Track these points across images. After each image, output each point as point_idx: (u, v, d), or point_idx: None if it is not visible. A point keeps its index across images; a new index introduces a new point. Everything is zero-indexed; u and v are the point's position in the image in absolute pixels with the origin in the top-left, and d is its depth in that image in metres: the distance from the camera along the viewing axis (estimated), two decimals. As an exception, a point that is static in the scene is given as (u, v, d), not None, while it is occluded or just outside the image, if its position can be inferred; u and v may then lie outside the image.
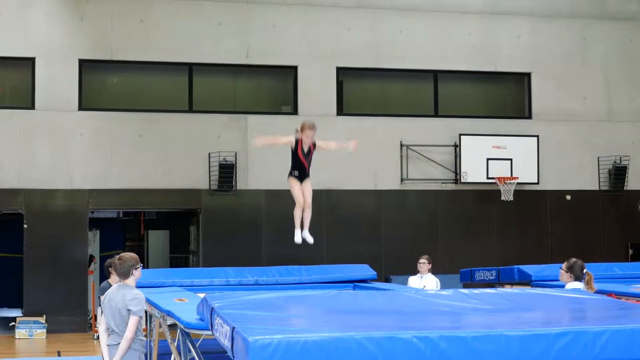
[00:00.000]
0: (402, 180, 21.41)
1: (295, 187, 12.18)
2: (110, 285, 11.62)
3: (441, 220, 21.62)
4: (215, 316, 6.93)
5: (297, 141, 12.00)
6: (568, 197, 22.19)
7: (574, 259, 10.36)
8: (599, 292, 9.97)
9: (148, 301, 10.47)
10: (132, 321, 8.62)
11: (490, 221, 21.76)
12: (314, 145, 12.00)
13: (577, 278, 10.14)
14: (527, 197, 21.68)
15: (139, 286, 9.10)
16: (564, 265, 10.34)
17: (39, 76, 20.05)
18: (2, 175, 19.71)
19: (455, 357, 5.81)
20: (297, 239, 12.13)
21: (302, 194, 12.12)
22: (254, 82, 21.79)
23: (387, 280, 19.96)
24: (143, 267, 9.08)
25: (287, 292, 10.37)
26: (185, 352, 9.07)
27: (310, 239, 12.12)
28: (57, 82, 20.09)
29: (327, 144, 12.27)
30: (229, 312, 6.79)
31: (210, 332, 7.49)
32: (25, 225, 19.86)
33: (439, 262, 20.13)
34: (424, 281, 14.64)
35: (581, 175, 22.31)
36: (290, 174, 12.19)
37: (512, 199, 21.06)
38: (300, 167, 12.07)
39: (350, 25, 21.42)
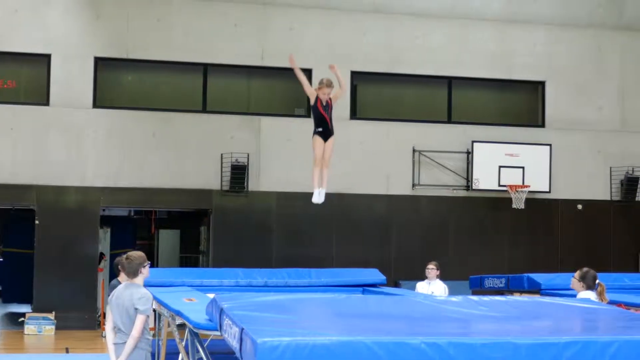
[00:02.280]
0: (413, 185, 21.41)
1: (317, 144, 12.11)
2: (119, 283, 11.65)
3: (452, 227, 21.60)
4: (224, 317, 6.94)
5: (316, 98, 11.99)
6: (579, 207, 22.15)
7: (586, 269, 10.36)
8: (609, 302, 9.95)
9: (157, 300, 10.50)
10: (139, 320, 8.64)
11: (500, 229, 21.73)
12: (331, 101, 12.04)
13: (589, 287, 10.14)
14: (538, 205, 21.65)
15: (149, 285, 9.13)
16: (576, 274, 10.34)
17: (54, 73, 20.11)
18: (16, 171, 19.78)
19: (463, 364, 5.82)
20: (315, 198, 12.10)
21: (323, 152, 12.01)
22: (268, 84, 21.82)
23: (397, 285, 19.94)
24: (153, 266, 9.10)
25: (297, 294, 10.38)
26: (193, 352, 9.09)
27: (322, 198, 12.10)
28: (72, 79, 20.16)
29: (336, 90, 12.19)
30: (238, 313, 6.80)
31: (218, 333, 7.51)
32: (37, 222, 19.93)
33: (449, 268, 20.10)
34: (432, 287, 14.63)
35: (593, 185, 22.27)
36: (315, 132, 12.10)
37: (523, 207, 21.02)
38: (322, 122, 12.05)
39: (366, 29, 21.44)
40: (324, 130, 12.04)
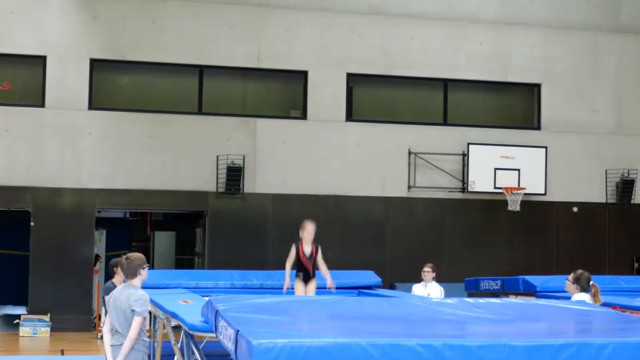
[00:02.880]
0: (409, 187, 21.41)
1: (298, 289, 12.62)
2: (114, 285, 11.66)
3: (447, 229, 21.61)
4: (220, 319, 6.94)
5: (297, 245, 12.56)
6: (575, 209, 22.17)
7: (580, 271, 10.38)
8: (603, 304, 9.97)
9: (153, 302, 10.49)
10: (136, 322, 8.62)
11: (496, 231, 21.75)
12: (317, 250, 12.60)
13: (584, 289, 10.15)
14: (534, 207, 21.66)
15: (144, 287, 9.11)
16: (570, 277, 10.35)
17: (50, 75, 20.10)
18: (11, 173, 19.76)
19: (459, 365, 5.82)
20: None
21: (305, 294, 12.48)
22: (264, 86, 21.82)
23: (392, 287, 19.95)
24: (149, 268, 9.09)
25: (292, 296, 10.39)
26: (188, 354, 9.08)
27: None
28: (68, 81, 20.14)
29: (322, 266, 12.74)
30: (234, 315, 6.80)
31: (214, 335, 7.51)
32: (32, 223, 19.90)
33: (445, 270, 20.11)
34: (428, 289, 14.64)
35: (589, 187, 22.28)
36: (296, 275, 12.65)
37: (518, 210, 21.04)
38: (303, 269, 12.63)
39: (361, 31, 21.44)
40: (305, 274, 12.59)
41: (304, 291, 12.43)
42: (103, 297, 12.51)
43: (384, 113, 21.89)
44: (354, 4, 21.47)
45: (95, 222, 20.59)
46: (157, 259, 25.20)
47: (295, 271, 12.71)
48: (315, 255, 12.52)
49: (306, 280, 12.47)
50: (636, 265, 22.36)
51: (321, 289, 13.39)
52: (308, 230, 12.45)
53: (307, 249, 12.50)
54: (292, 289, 12.92)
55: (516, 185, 21.18)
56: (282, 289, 13.82)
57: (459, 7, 21.92)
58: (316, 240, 12.91)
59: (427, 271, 14.87)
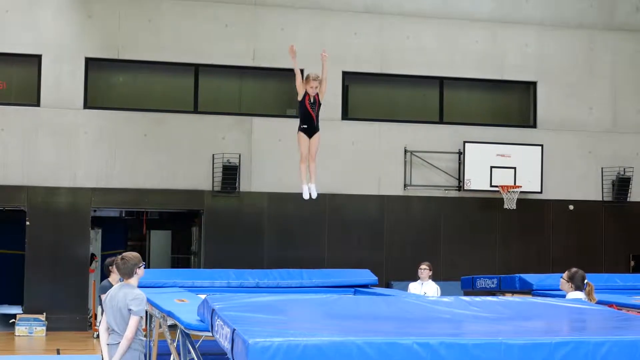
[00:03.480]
0: (405, 186, 21.41)
1: (302, 141, 12.05)
2: (110, 284, 11.63)
3: (443, 227, 21.61)
4: (216, 318, 6.93)
5: (304, 94, 11.91)
6: (571, 207, 22.18)
7: (574, 269, 10.38)
8: (600, 303, 9.97)
9: (149, 301, 10.47)
10: (133, 321, 8.62)
11: (492, 229, 21.75)
12: (317, 97, 11.93)
13: (578, 288, 10.15)
14: (530, 206, 21.67)
15: (140, 286, 9.10)
16: (565, 275, 10.35)
17: (45, 73, 20.07)
18: (6, 172, 19.73)
19: (455, 364, 5.82)
20: (305, 194, 12.02)
21: (309, 148, 11.96)
22: (259, 85, 21.80)
23: (388, 285, 19.95)
24: (144, 267, 9.08)
25: (288, 295, 10.37)
26: (184, 353, 9.07)
27: (314, 194, 12.03)
28: (63, 80, 20.12)
29: (322, 81, 11.99)
30: (230, 314, 6.79)
31: (210, 334, 7.50)
32: (27, 222, 19.88)
33: (441, 268, 20.14)
34: (425, 288, 14.63)
35: (584, 185, 22.30)
36: (299, 128, 12.04)
37: (515, 208, 21.04)
38: (308, 118, 11.96)
39: (357, 30, 21.43)
40: (309, 126, 11.97)
41: (307, 144, 12.12)
42: (99, 296, 12.48)
43: (380, 112, 21.88)
44: (349, 2, 21.47)
45: (91, 221, 20.58)
46: (153, 258, 25.20)
47: (298, 126, 12.09)
48: (319, 104, 12.08)
49: (310, 133, 12.14)
50: (632, 263, 22.37)
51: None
52: (312, 86, 11.98)
53: (312, 98, 12.07)
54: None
55: (512, 184, 21.18)
56: (278, 287, 13.81)
57: (454, 5, 21.92)
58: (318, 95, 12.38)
59: (424, 269, 14.84)
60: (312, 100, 11.87)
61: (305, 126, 11.98)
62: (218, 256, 20.17)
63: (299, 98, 11.96)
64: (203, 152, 20.44)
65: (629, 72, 22.81)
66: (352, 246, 20.86)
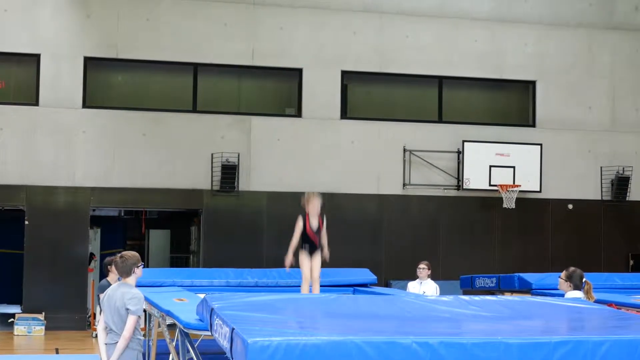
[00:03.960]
0: (404, 185, 21.40)
1: (304, 262, 12.26)
2: (108, 284, 11.62)
3: (442, 226, 21.61)
4: (215, 317, 6.92)
5: (303, 217, 12.18)
6: (570, 207, 22.18)
7: (572, 268, 10.37)
8: (599, 302, 9.97)
9: (148, 300, 10.47)
10: (130, 320, 8.61)
11: (491, 228, 21.75)
12: (323, 222, 12.24)
13: (576, 287, 10.14)
14: (529, 205, 21.66)
15: (138, 285, 9.09)
16: (563, 274, 10.35)
17: (43, 73, 20.05)
18: (5, 171, 19.72)
19: (454, 363, 5.81)
20: None
21: (311, 269, 12.16)
22: (258, 84, 21.79)
23: (388, 285, 19.95)
24: (143, 267, 9.07)
25: (287, 294, 10.37)
26: (183, 352, 9.06)
27: None
28: (61, 79, 20.10)
29: (323, 237, 12.36)
30: (229, 313, 6.78)
31: (209, 333, 7.49)
32: (26, 222, 19.87)
33: (440, 268, 20.15)
34: (424, 287, 14.62)
35: (584, 184, 22.30)
36: (302, 247, 12.26)
37: (514, 207, 21.04)
38: (310, 241, 12.24)
39: (356, 29, 21.42)
40: (311, 247, 12.21)
41: (310, 264, 12.20)
42: (97, 296, 12.47)
43: (379, 111, 21.87)
44: (348, 1, 21.45)
45: (90, 220, 20.56)
46: (152, 257, 25.19)
47: (300, 245, 12.37)
48: (321, 228, 12.27)
49: (312, 252, 12.22)
50: (631, 262, 22.37)
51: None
52: (315, 205, 12.15)
53: (314, 222, 12.23)
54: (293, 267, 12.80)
55: (511, 183, 21.18)
56: (277, 287, 13.81)
57: (453, 5, 21.92)
58: (321, 214, 12.60)
59: (423, 268, 14.83)
60: (314, 227, 12.16)
61: (308, 245, 12.21)
62: (217, 255, 20.16)
63: (300, 225, 12.18)
64: (202, 152, 20.43)
65: (628, 71, 22.80)
66: (351, 245, 20.84)
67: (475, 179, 21.28)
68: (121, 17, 20.41)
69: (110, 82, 21.23)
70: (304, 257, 12.21)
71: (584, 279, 10.25)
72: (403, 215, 21.42)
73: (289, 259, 12.31)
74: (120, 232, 25.07)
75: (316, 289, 12.21)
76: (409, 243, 21.17)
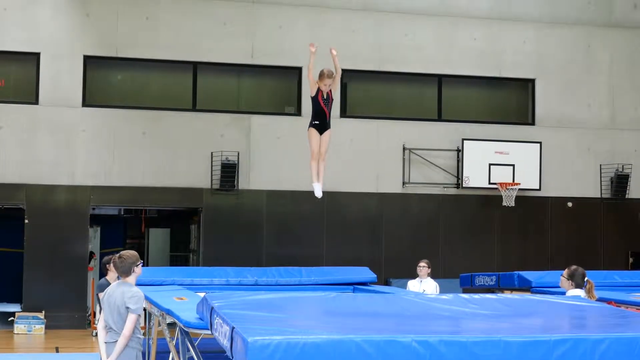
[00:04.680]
0: (404, 183, 21.41)
1: (313, 138, 11.94)
2: (107, 283, 11.62)
3: (442, 225, 21.61)
4: (215, 316, 6.92)
5: (317, 90, 11.82)
6: (569, 204, 22.18)
7: (574, 267, 10.35)
8: (599, 300, 9.96)
9: (148, 299, 10.47)
10: (130, 319, 8.62)
11: (491, 226, 21.76)
12: (330, 93, 11.83)
13: (578, 286, 10.13)
14: (528, 203, 21.67)
15: (138, 284, 9.09)
16: (565, 273, 10.33)
17: (43, 71, 20.06)
18: (4, 170, 19.72)
19: (454, 361, 5.82)
20: (317, 193, 11.97)
21: (319, 145, 11.85)
22: (258, 82, 21.79)
23: (387, 283, 19.96)
24: (143, 265, 9.08)
25: (287, 293, 10.37)
26: (184, 351, 9.07)
27: (319, 193, 11.99)
28: (61, 78, 20.11)
29: (336, 77, 11.94)
30: (229, 312, 6.79)
31: (209, 332, 7.49)
32: (26, 221, 19.87)
33: (439, 266, 20.15)
34: (424, 285, 14.62)
35: (583, 182, 22.30)
36: (311, 124, 11.94)
37: (513, 205, 21.04)
38: (321, 114, 11.85)
39: (355, 27, 21.42)
40: (321, 123, 11.90)
41: (319, 140, 12.04)
42: (97, 295, 12.47)
43: (378, 109, 21.88)
44: (347, 0, 21.44)
45: (90, 219, 20.56)
46: (152, 256, 25.19)
47: (310, 122, 12.00)
48: (332, 100, 11.87)
49: (321, 130, 12.07)
50: (631, 260, 22.38)
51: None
52: (326, 83, 11.92)
53: (325, 94, 11.98)
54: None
55: (511, 181, 21.19)
56: (277, 285, 13.81)
57: (451, 3, 21.92)
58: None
59: (423, 267, 14.83)
60: (325, 97, 11.79)
61: (317, 122, 11.90)
62: (217, 254, 20.17)
63: (312, 94, 11.85)
64: (201, 150, 20.43)
65: (627, 69, 22.81)
66: (351, 244, 20.86)
67: (475, 177, 21.29)
68: (120, 16, 20.41)
69: (110, 80, 21.23)
70: (313, 134, 11.86)
71: (586, 278, 10.24)
72: (403, 213, 21.43)
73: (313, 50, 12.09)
74: (120, 231, 25.08)
75: (322, 167, 12.05)
76: (408, 241, 21.18)
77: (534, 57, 22.33)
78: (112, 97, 20.94)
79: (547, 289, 13.74)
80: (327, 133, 11.95)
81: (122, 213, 25.30)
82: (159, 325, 10.82)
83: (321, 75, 11.78)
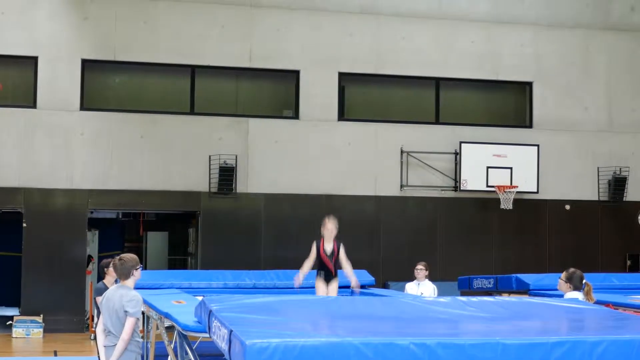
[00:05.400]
0: (401, 186, 21.42)
1: (319, 288, 12.17)
2: (105, 286, 11.63)
3: (440, 228, 21.62)
4: (213, 319, 6.93)
5: (317, 242, 12.13)
6: (567, 207, 22.19)
7: (573, 269, 10.37)
8: (596, 302, 9.97)
9: (146, 303, 10.48)
10: (129, 322, 8.62)
11: (489, 229, 21.76)
12: (338, 248, 12.10)
13: (576, 288, 10.15)
14: (526, 206, 21.68)
15: (137, 287, 9.10)
16: (563, 275, 10.35)
17: (41, 75, 20.06)
18: (2, 174, 19.71)
19: (452, 364, 5.83)
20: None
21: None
22: (256, 86, 21.80)
23: (385, 286, 19.94)
24: (142, 269, 9.08)
25: (285, 296, 10.38)
26: (182, 354, 9.08)
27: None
28: (59, 81, 20.11)
29: (345, 265, 12.20)
30: (227, 315, 6.80)
31: (207, 335, 7.50)
32: (24, 224, 19.86)
33: (437, 269, 20.14)
34: (421, 288, 14.64)
35: (581, 185, 22.32)
36: (317, 274, 12.17)
37: (511, 208, 21.05)
38: (325, 268, 12.10)
39: (353, 30, 21.44)
40: (327, 275, 12.03)
41: (326, 291, 12.14)
42: (95, 298, 12.47)
43: (376, 112, 21.88)
44: (344, 3, 21.47)
45: (88, 222, 20.55)
46: (150, 260, 25.17)
47: (315, 270, 12.26)
48: (337, 253, 12.13)
49: (327, 279, 12.15)
50: (628, 262, 22.39)
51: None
52: (328, 228, 12.06)
53: (329, 247, 12.12)
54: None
55: (508, 184, 21.19)
56: (275, 288, 13.82)
57: (449, 6, 21.94)
58: (337, 238, 12.65)
59: (421, 269, 14.86)
60: (328, 252, 12.03)
61: (323, 273, 12.11)
62: (215, 257, 20.16)
63: (313, 249, 12.09)
64: (199, 153, 20.44)
65: (624, 72, 22.83)
66: (349, 247, 20.67)
67: (473, 180, 21.30)
68: (118, 19, 20.41)
69: (108, 84, 21.24)
70: (319, 284, 12.14)
71: (584, 280, 10.26)
72: (400, 216, 21.43)
73: (298, 279, 12.27)
74: (118, 234, 25.07)
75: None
76: (406, 244, 21.18)
77: (531, 60, 22.35)
78: (110, 100, 20.94)
79: (545, 291, 13.77)
80: (333, 282, 12.25)
81: (120, 216, 25.30)
82: (158, 328, 10.82)
83: (324, 223, 12.18)
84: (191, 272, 17.18)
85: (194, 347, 8.97)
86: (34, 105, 20.05)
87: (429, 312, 7.66)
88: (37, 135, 19.93)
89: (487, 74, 22.18)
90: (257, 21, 21.01)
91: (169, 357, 10.17)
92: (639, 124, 22.80)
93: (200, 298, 8.84)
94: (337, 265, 12.14)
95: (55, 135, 19.99)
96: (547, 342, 6.00)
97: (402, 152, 21.41)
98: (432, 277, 15.31)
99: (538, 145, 21.78)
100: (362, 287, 14.29)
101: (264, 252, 20.51)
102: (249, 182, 20.68)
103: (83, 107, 20.28)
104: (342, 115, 21.40)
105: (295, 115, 21.17)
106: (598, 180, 22.36)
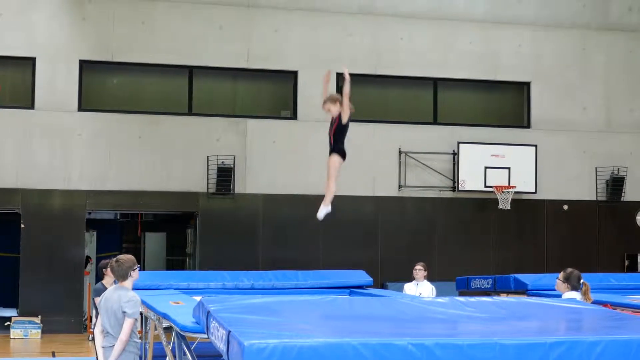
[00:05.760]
0: (400, 187, 21.42)
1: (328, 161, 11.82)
2: (103, 287, 11.62)
3: (438, 228, 21.63)
4: (211, 320, 6.93)
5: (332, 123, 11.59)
6: (565, 207, 22.20)
7: (570, 269, 10.37)
8: (594, 302, 9.97)
9: (144, 303, 10.47)
10: (127, 323, 8.62)
11: (487, 230, 21.77)
12: (339, 118, 11.40)
13: (574, 288, 10.15)
14: (524, 206, 21.69)
15: (135, 288, 9.10)
16: (560, 275, 10.35)
17: (39, 76, 20.05)
18: (0, 175, 19.70)
19: (450, 364, 5.82)
20: (319, 213, 11.97)
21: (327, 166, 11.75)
22: (254, 86, 21.80)
23: (383, 286, 19.95)
24: (139, 270, 9.08)
25: (284, 296, 10.37)
26: (180, 355, 9.07)
27: (320, 214, 11.94)
28: (57, 82, 20.10)
29: (344, 98, 11.39)
30: (225, 315, 6.79)
31: (205, 336, 7.50)
32: (22, 225, 19.85)
33: (436, 269, 20.12)
34: (420, 288, 14.64)
35: (579, 185, 22.33)
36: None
37: (509, 208, 21.07)
38: (329, 140, 11.80)
39: (351, 31, 21.44)
40: (330, 146, 11.90)
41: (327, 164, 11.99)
42: (93, 299, 12.46)
43: (374, 112, 21.87)
44: (343, 3, 21.47)
45: (86, 223, 20.56)
46: (148, 260, 25.18)
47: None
48: (337, 122, 11.42)
49: (330, 152, 11.98)
50: (626, 262, 22.41)
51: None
52: (327, 108, 11.41)
53: (332, 120, 11.68)
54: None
55: (506, 184, 21.21)
56: (273, 289, 13.81)
57: (448, 7, 21.95)
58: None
59: (419, 269, 14.86)
60: (331, 121, 11.64)
61: (329, 147, 11.81)
62: (213, 258, 20.16)
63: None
64: (197, 154, 20.44)
65: (622, 72, 22.85)
66: (347, 247, 20.85)
67: (471, 181, 21.31)
68: (117, 20, 20.41)
69: (106, 85, 21.24)
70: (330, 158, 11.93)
71: (581, 280, 10.26)
72: (399, 216, 21.44)
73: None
74: (116, 235, 25.07)
75: (328, 189, 12.02)
76: (404, 244, 21.19)
77: (529, 61, 22.36)
78: (108, 101, 20.93)
79: (543, 291, 13.76)
80: (331, 156, 11.90)
81: (118, 217, 25.29)
82: (156, 329, 10.82)
83: (323, 102, 11.40)
84: (189, 273, 17.17)
85: (192, 348, 8.96)
86: (32, 106, 20.05)
87: (427, 313, 7.65)
88: (35, 136, 19.93)
89: (485, 74, 22.19)
90: (255, 22, 21.01)
91: (167, 358, 10.16)
92: (637, 124, 22.82)
93: (198, 299, 8.83)
94: (336, 140, 11.81)
95: (53, 136, 19.99)
96: (545, 343, 5.99)
97: (400, 152, 21.42)
98: (430, 278, 15.31)
99: (536, 146, 21.80)
100: (360, 287, 14.29)
101: (262, 253, 20.51)
102: (247, 183, 20.68)
103: (81, 108, 20.28)
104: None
105: (294, 116, 21.18)
106: (596, 180, 22.38)
